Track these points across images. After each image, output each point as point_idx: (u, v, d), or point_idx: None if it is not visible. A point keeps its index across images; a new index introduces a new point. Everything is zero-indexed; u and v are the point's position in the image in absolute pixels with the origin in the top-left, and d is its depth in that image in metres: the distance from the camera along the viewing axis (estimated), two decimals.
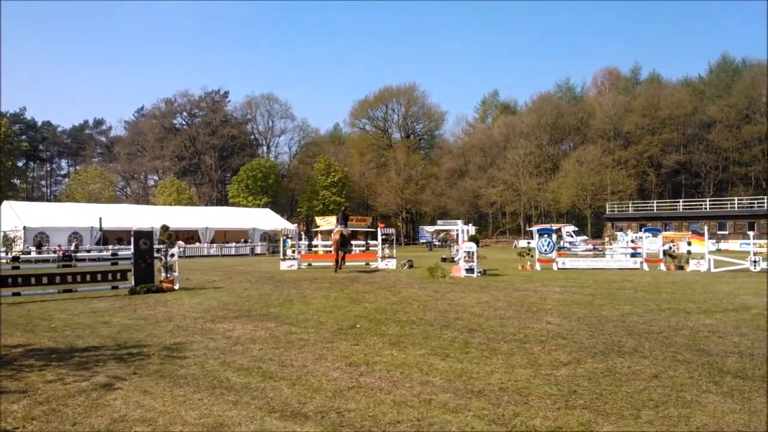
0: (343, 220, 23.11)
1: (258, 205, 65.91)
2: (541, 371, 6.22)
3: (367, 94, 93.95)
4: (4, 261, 16.57)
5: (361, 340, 8.01)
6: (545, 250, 23.26)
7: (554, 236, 24.35)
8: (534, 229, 40.43)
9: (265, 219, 54.64)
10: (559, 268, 22.49)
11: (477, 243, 20.97)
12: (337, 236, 22.28)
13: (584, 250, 28.39)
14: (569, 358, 6.87)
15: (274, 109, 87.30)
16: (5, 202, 47.18)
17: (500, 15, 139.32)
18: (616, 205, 65.39)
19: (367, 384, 5.75)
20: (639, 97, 75.64)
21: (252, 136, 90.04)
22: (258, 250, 48.51)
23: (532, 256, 23.79)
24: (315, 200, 76.17)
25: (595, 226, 69.36)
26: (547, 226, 40.82)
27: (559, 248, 24.65)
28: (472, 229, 29.12)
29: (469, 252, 19.69)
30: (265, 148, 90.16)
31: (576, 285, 15.92)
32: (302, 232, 35.95)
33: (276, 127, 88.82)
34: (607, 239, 46.89)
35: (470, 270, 19.31)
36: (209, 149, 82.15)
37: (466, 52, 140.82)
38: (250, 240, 49.48)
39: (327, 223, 60.18)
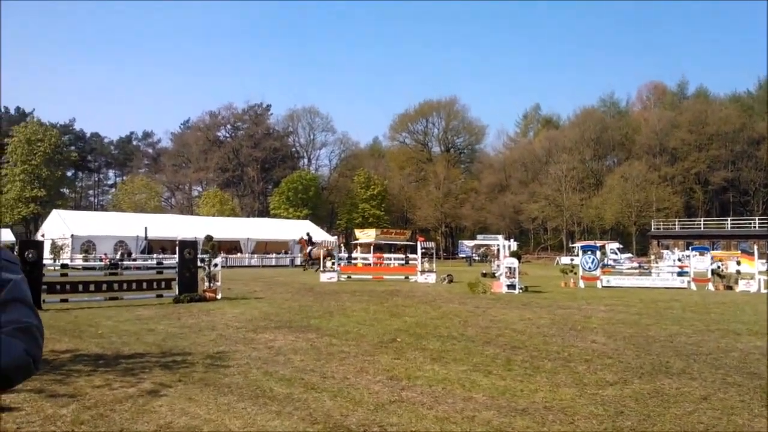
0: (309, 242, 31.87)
1: (298, 217, 66.48)
2: (586, 391, 6.09)
3: (407, 107, 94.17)
4: (53, 268, 17.12)
5: (402, 354, 7.98)
6: (589, 268, 22.83)
7: (598, 253, 23.88)
8: (577, 245, 39.70)
9: (306, 231, 55.02)
10: (603, 286, 22.02)
11: (519, 259, 20.71)
12: (325, 252, 28.13)
13: (629, 268, 27.72)
14: (615, 378, 6.71)
15: (316, 122, 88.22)
16: (54, 211, 48.70)
17: (543, 29, 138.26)
18: (662, 223, 63.78)
19: (409, 398, 5.71)
20: (686, 112, 73.85)
21: (293, 149, 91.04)
22: (298, 261, 48.88)
23: (575, 273, 23.37)
24: (354, 213, 76.49)
25: (640, 243, 67.72)
26: (591, 242, 40.04)
27: (604, 266, 24.15)
28: (513, 245, 28.76)
29: (510, 267, 19.47)
30: (306, 160, 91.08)
31: (621, 303, 15.55)
32: (342, 245, 36.19)
33: (317, 139, 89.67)
34: (652, 257, 45.76)
35: (512, 286, 19.07)
36: (252, 161, 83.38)
37: (508, 65, 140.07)
38: (290, 251, 49.92)
39: (366, 235, 60.50)
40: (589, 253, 23.37)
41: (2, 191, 66.04)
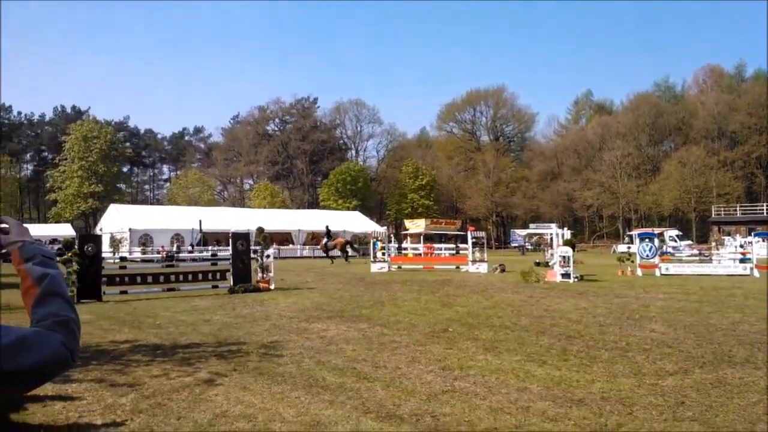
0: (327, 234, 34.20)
1: (348, 208, 66.95)
2: (645, 381, 5.91)
3: (454, 97, 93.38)
4: (112, 261, 17.70)
5: (454, 344, 7.91)
6: (647, 255, 22.17)
7: (656, 240, 23.15)
8: (635, 233, 38.59)
9: (355, 222, 55.39)
10: (662, 274, 21.36)
11: (573, 247, 20.28)
12: (342, 241, 32.11)
13: (689, 256, 26.80)
14: (675, 367, 6.49)
15: (362, 114, 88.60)
16: (112, 206, 50.43)
17: (594, 12, 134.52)
18: (722, 209, 61.46)
19: (461, 388, 5.65)
20: (744, 95, 70.89)
21: (341, 141, 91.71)
22: (348, 252, 49.19)
23: (632, 261, 22.75)
24: (403, 203, 76.53)
25: (700, 230, 65.49)
26: (649, 230, 38.91)
27: (662, 253, 23.40)
28: (567, 233, 28.17)
29: (564, 256, 19.08)
30: (353, 152, 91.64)
31: (681, 292, 15.04)
32: (392, 235, 36.20)
33: (364, 131, 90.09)
34: (713, 244, 44.14)
35: (566, 275, 18.69)
36: (300, 154, 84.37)
37: (558, 51, 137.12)
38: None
39: (416, 225, 60.43)
40: (647, 240, 22.69)
41: (61, 187, 68.71)
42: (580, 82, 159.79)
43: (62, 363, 1.16)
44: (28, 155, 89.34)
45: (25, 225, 1.36)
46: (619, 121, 76.89)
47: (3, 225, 1.30)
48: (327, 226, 36.30)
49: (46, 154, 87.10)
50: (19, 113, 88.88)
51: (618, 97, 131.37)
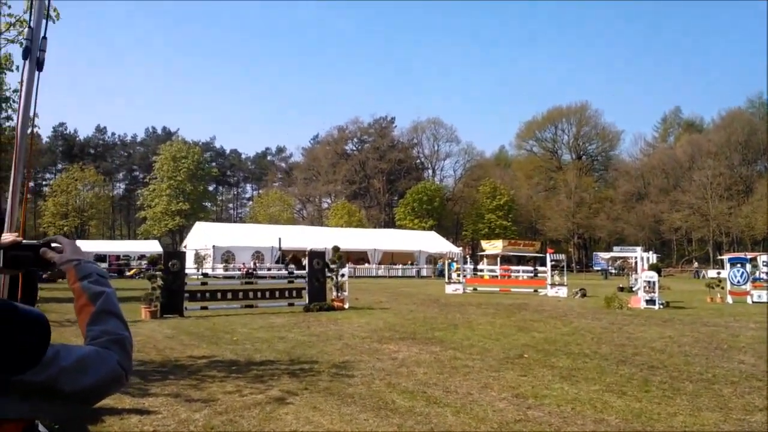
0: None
1: (423, 228, 66.80)
2: (731, 416, 5.51)
3: (534, 114, 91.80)
4: (195, 277, 18.37)
5: (529, 371, 7.66)
6: (738, 282, 20.89)
7: (748, 266, 21.78)
8: (725, 257, 36.50)
9: (431, 242, 55.20)
10: (754, 302, 20.03)
11: (659, 272, 19.37)
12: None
13: None
14: (765, 402, 6.02)
15: (440, 133, 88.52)
16: (197, 223, 52.51)
17: (681, 25, 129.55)
18: None
19: (535, 418, 5.44)
20: None
21: (418, 160, 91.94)
22: (424, 272, 49.08)
23: (722, 288, 21.47)
24: (480, 223, 75.58)
25: None
26: (741, 254, 36.66)
27: (755, 279, 21.97)
28: (652, 257, 26.91)
29: (649, 281, 18.25)
30: (430, 171, 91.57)
31: None
32: (467, 256, 35.78)
33: (441, 150, 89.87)
34: None
35: (651, 301, 17.86)
36: (377, 173, 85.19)
37: (643, 66, 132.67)
38: (416, 262, 50.23)
39: (493, 247, 59.50)
40: (738, 265, 21.41)
41: (151, 205, 72.25)
42: (668, 99, 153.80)
43: (117, 382, 1.18)
44: (120, 174, 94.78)
45: (77, 244, 1.40)
46: (710, 140, 73.25)
47: (57, 244, 1.33)
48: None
49: (137, 173, 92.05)
50: (113, 134, 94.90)
51: (708, 114, 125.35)
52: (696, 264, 64.24)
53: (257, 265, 39.80)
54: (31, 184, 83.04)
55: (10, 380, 0.99)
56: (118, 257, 46.77)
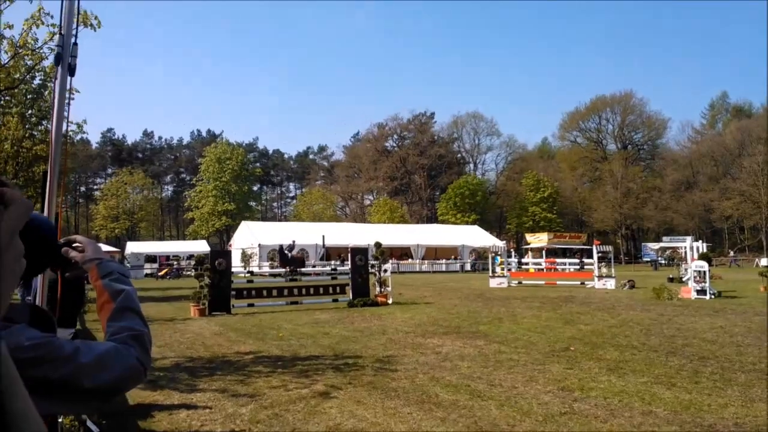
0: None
1: (466, 223, 66.37)
2: None
3: (577, 105, 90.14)
4: (242, 275, 18.67)
5: (575, 364, 7.54)
6: None
7: None
8: None
9: (474, 236, 54.81)
10: None
11: (709, 261, 18.80)
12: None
13: None
14: None
15: (480, 127, 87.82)
16: (243, 222, 53.37)
17: (723, 11, 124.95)
18: None
19: (581, 411, 5.36)
20: None
21: (459, 155, 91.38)
22: (467, 266, 48.80)
23: None
24: (524, 216, 74.67)
25: None
26: None
27: None
28: (702, 246, 26.16)
29: (700, 271, 17.74)
30: (471, 165, 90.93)
31: None
32: (512, 249, 35.40)
33: (482, 144, 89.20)
34: None
35: (702, 291, 17.36)
36: (418, 169, 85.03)
37: (689, 51, 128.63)
38: (459, 257, 49.98)
39: (538, 240, 58.70)
40: None
41: (198, 206, 73.84)
42: (715, 85, 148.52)
43: (136, 377, 1.21)
44: (168, 177, 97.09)
45: (98, 244, 1.44)
46: (760, 125, 70.60)
47: (77, 244, 1.37)
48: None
49: (184, 175, 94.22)
50: (160, 138, 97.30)
51: (757, 98, 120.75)
52: (732, 254, 62.10)
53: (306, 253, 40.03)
54: (83, 188, 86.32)
55: (32, 377, 1.02)
56: (167, 257, 47.93)
